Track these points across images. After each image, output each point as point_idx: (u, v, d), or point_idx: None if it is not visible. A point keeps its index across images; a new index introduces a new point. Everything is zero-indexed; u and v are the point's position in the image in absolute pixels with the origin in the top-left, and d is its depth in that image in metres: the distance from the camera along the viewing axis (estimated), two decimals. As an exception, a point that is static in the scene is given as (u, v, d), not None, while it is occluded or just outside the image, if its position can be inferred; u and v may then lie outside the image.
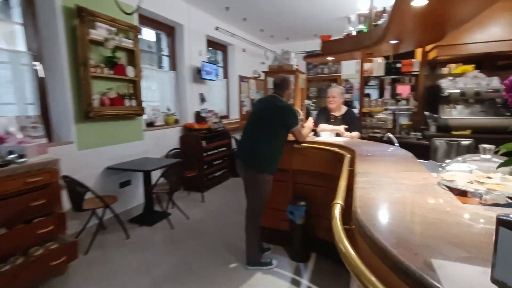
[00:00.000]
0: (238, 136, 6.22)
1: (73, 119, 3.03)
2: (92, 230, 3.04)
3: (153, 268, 2.60)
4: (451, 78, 3.55)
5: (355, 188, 1.14)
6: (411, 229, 0.78)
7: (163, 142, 4.41)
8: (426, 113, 3.67)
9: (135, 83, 3.64)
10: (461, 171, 1.25)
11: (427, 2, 1.59)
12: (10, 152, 2.14)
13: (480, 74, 3.44)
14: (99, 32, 3.09)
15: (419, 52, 3.95)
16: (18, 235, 2.10)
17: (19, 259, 2.10)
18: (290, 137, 2.58)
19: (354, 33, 3.01)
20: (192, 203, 4.29)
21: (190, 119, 5.00)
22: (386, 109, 3.94)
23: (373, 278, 0.66)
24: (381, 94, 5.27)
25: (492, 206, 0.97)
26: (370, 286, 0.65)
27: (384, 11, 2.52)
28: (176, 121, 4.84)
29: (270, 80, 4.41)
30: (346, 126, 3.01)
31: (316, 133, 3.14)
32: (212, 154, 4.99)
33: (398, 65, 3.75)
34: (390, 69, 3.81)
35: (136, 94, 3.65)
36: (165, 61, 4.87)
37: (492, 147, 1.09)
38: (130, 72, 3.53)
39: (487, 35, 3.35)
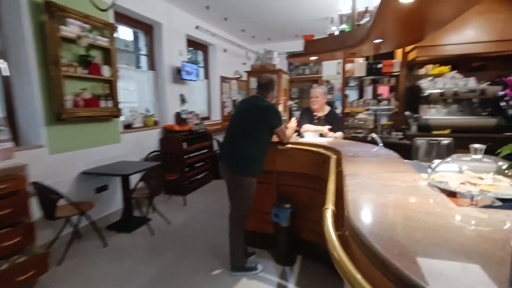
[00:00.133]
0: (220, 137, 6.11)
1: (44, 121, 2.83)
2: (66, 239, 2.85)
3: (133, 278, 2.46)
4: (430, 78, 3.63)
5: (346, 192, 1.09)
6: (411, 237, 0.73)
7: (142, 145, 4.24)
8: (407, 113, 3.73)
9: (111, 83, 3.47)
10: (450, 171, 1.23)
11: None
12: (-30, 158, 1.95)
13: (457, 75, 3.54)
14: (71, 29, 2.91)
15: (399, 52, 4.02)
16: (-21, 249, 1.92)
17: (-19, 275, 1.92)
18: (274, 138, 2.53)
19: (336, 32, 3.00)
20: (174, 207, 4.14)
21: (170, 121, 4.85)
22: (368, 110, 3.97)
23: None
24: (360, 95, 5.32)
25: (487, 208, 0.94)
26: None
27: (366, 11, 2.52)
28: (156, 123, 4.68)
29: (253, 80, 4.35)
30: (329, 127, 3.00)
31: (299, 134, 3.10)
32: (193, 156, 4.87)
33: (379, 65, 3.79)
34: (371, 69, 3.85)
35: (112, 94, 3.47)
36: (144, 61, 4.70)
37: (483, 146, 1.08)
38: (105, 71, 3.36)
39: (462, 37, 3.44)
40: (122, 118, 3.89)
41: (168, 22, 4.72)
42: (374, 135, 2.58)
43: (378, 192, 1.08)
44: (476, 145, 1.07)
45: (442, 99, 3.48)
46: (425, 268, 0.57)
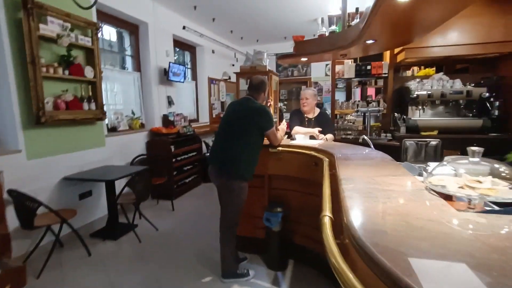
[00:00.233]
0: (208, 140, 6.02)
1: (21, 124, 2.68)
2: (46, 249, 2.70)
3: (119, 287, 2.36)
4: (418, 80, 3.66)
5: (344, 198, 1.05)
6: (417, 247, 0.69)
7: (128, 148, 4.10)
8: (396, 114, 3.75)
9: (94, 85, 3.33)
10: (446, 174, 1.21)
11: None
12: None
13: (444, 77, 3.59)
14: (51, 27, 2.78)
15: (387, 54, 4.04)
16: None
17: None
18: (265, 141, 2.47)
19: (327, 34, 2.98)
20: (161, 213, 4.03)
21: (157, 123, 4.73)
22: (357, 111, 3.98)
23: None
24: (348, 97, 5.34)
25: (487, 214, 0.91)
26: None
27: (357, 12, 2.51)
28: (142, 126, 4.55)
29: (242, 82, 4.27)
30: (320, 129, 2.97)
31: (290, 136, 3.06)
32: (181, 159, 4.77)
33: (369, 67, 3.80)
34: (360, 71, 3.86)
35: (96, 96, 3.34)
36: (129, 62, 4.57)
37: (481, 149, 1.05)
38: (88, 72, 3.23)
39: (448, 40, 3.49)
40: (106, 121, 3.76)
41: (154, 22, 4.60)
42: (365, 137, 2.57)
43: (376, 198, 1.04)
44: (474, 148, 1.05)
45: (430, 100, 3.52)
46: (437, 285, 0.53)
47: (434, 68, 4.11)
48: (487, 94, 3.34)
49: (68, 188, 3.15)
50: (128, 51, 4.54)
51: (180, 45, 5.70)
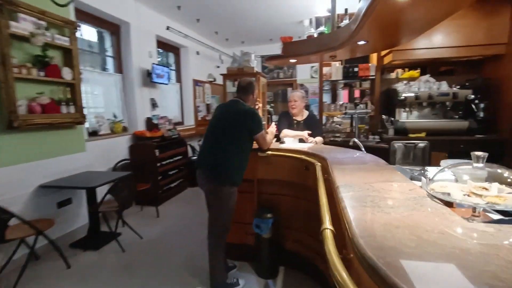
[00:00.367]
0: (194, 143, 5.88)
1: (-9, 129, 2.49)
2: (20, 263, 2.51)
3: (100, 304, 2.21)
4: (405, 82, 3.68)
5: (344, 208, 0.98)
6: (434, 266, 0.62)
7: (110, 153, 3.92)
8: (384, 116, 3.76)
9: (73, 87, 3.16)
10: (448, 180, 1.17)
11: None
12: None
13: (431, 79, 3.62)
14: (23, 25, 2.59)
15: (373, 56, 4.05)
16: None
17: None
18: (255, 145, 2.39)
19: (315, 35, 2.94)
20: (146, 220, 3.87)
21: (141, 127, 4.56)
22: (345, 113, 3.96)
23: None
24: (333, 99, 5.34)
25: (500, 224, 0.86)
26: None
27: (346, 13, 2.48)
28: (125, 129, 4.37)
29: (229, 84, 4.18)
30: (309, 132, 2.92)
31: (279, 139, 2.99)
32: (167, 163, 4.62)
33: (356, 69, 3.80)
34: (348, 73, 3.85)
35: (75, 99, 3.16)
36: (110, 63, 4.38)
37: (486, 154, 1.01)
38: (66, 74, 3.05)
39: (434, 42, 3.53)
40: (87, 125, 3.59)
41: (136, 22, 4.44)
42: (356, 140, 2.53)
43: (379, 207, 0.98)
44: (478, 153, 1.00)
45: (417, 102, 3.54)
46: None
47: (418, 70, 4.15)
48: (473, 96, 3.39)
49: (46, 196, 2.95)
50: (109, 52, 4.36)
51: (164, 46, 5.55)
